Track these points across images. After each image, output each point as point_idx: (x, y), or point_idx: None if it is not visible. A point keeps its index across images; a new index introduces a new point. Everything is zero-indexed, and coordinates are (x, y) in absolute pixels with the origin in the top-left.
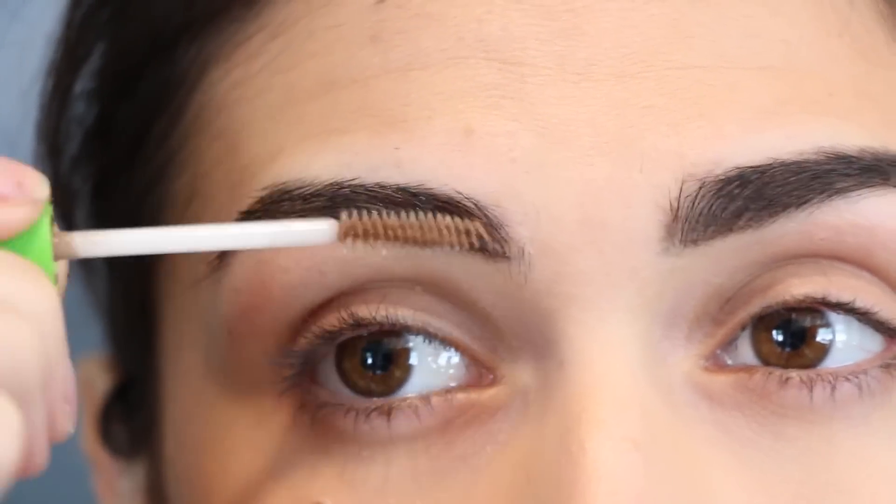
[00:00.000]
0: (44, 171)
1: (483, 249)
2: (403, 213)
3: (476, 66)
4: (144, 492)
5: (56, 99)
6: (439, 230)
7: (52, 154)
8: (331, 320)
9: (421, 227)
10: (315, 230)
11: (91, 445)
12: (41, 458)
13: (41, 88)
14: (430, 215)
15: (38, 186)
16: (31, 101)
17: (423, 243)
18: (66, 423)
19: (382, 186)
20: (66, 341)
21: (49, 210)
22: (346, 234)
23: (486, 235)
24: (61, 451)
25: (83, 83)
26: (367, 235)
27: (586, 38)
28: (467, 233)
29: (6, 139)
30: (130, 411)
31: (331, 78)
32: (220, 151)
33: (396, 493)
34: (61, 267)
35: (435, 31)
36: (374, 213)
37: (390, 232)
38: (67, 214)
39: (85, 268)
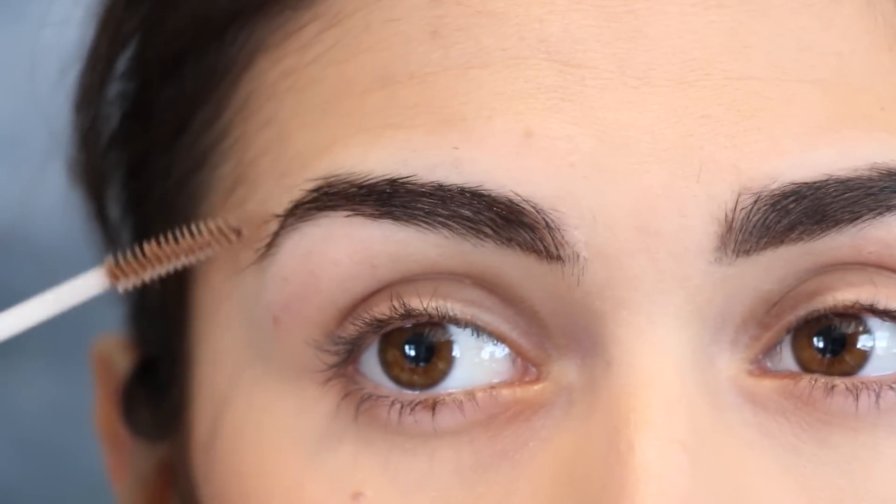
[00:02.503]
0: (78, 152)
1: (537, 251)
2: (162, 238)
3: (537, 66)
4: (164, 474)
5: (95, 78)
6: (196, 239)
7: (86, 134)
8: (382, 308)
9: (179, 244)
10: (85, 283)
11: (106, 423)
12: None
13: (79, 69)
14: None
15: None
16: (31, 100)
17: (191, 255)
18: None
19: (441, 187)
20: None
21: None
22: (112, 275)
23: (238, 232)
24: (61, 450)
25: (123, 65)
26: (132, 272)
27: (646, 41)
28: (220, 231)
29: (10, 137)
30: (155, 393)
31: (388, 72)
32: (268, 140)
33: (438, 487)
34: None
35: (496, 29)
36: (135, 248)
37: (154, 259)
38: (98, 196)
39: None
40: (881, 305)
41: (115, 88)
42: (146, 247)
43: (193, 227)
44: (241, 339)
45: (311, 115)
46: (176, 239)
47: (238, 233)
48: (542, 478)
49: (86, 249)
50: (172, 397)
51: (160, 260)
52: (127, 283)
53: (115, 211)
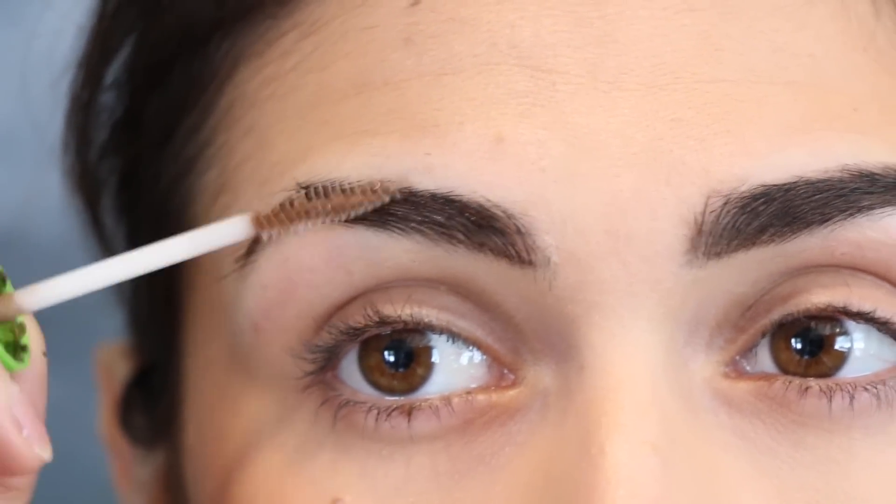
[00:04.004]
0: (69, 161)
1: (508, 256)
2: (313, 192)
3: (508, 72)
4: (161, 480)
5: (87, 88)
6: (347, 196)
7: (79, 143)
8: (356, 317)
9: (329, 199)
10: (229, 228)
11: (109, 432)
12: None
13: (71, 79)
14: (337, 186)
15: None
16: (30, 100)
17: (340, 212)
18: (27, 450)
19: (413, 192)
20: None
21: None
22: (258, 224)
23: (388, 191)
24: (62, 452)
25: (114, 75)
26: (278, 222)
27: (617, 45)
28: (372, 191)
29: (9, 137)
30: (151, 400)
31: (363, 79)
32: (250, 147)
33: (416, 492)
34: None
35: (468, 35)
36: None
37: (301, 212)
38: (93, 204)
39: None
40: (854, 307)
41: (105, 98)
42: (295, 199)
43: (346, 185)
44: (225, 347)
45: (291, 123)
46: (327, 194)
47: (389, 192)
48: (518, 482)
49: (86, 250)
50: (165, 404)
51: (308, 214)
52: (271, 232)
53: (110, 219)
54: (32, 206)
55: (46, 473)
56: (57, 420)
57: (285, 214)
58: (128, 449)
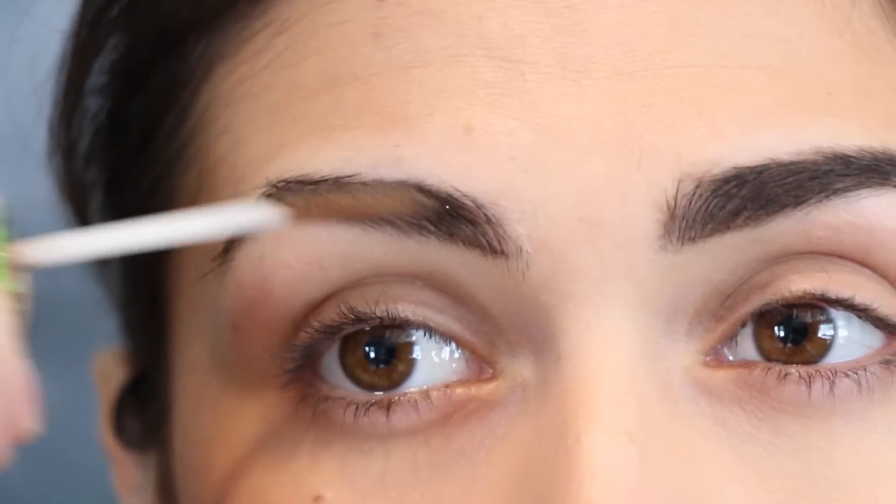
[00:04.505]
0: (56, 167)
1: (480, 246)
2: (347, 188)
3: (476, 63)
4: (156, 484)
5: (69, 94)
6: (385, 204)
7: (64, 149)
8: (331, 315)
9: (370, 202)
10: (266, 213)
11: (108, 439)
12: (2, 456)
13: (54, 84)
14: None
15: None
16: (42, 98)
17: (367, 213)
18: (28, 422)
19: (382, 183)
20: (18, 340)
21: (2, 222)
22: (299, 214)
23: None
24: (62, 454)
25: (95, 79)
26: (319, 214)
27: (587, 34)
28: (411, 202)
29: (17, 136)
30: (143, 404)
31: (333, 75)
32: (225, 147)
33: (396, 487)
34: (25, 279)
35: (436, 28)
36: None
37: (334, 205)
38: (82, 210)
39: (99, 261)
40: (832, 294)
41: (89, 103)
42: (332, 193)
43: (380, 186)
44: (207, 347)
45: (264, 121)
46: (363, 198)
47: (413, 207)
48: (498, 475)
49: None
50: (155, 408)
51: (340, 210)
52: (301, 220)
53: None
54: (32, 206)
55: (46, 476)
56: (58, 423)
57: (320, 207)
58: (125, 456)
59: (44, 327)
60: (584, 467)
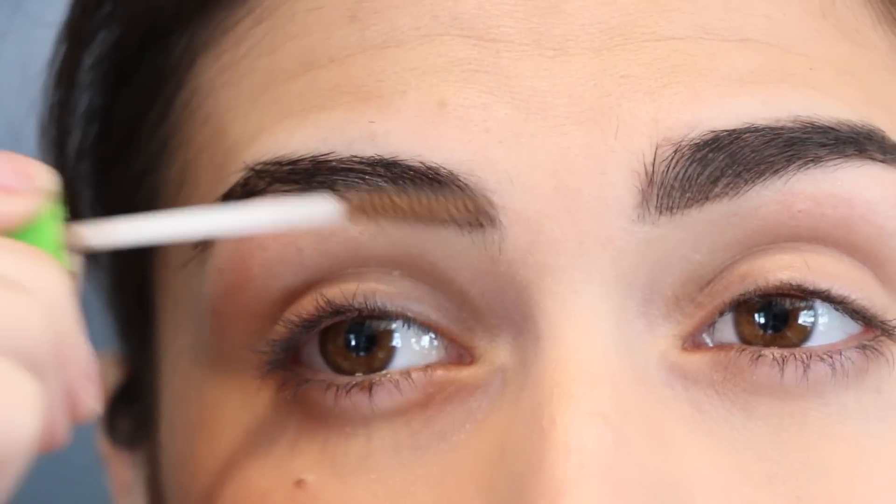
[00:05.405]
0: (48, 162)
1: (456, 220)
2: (411, 191)
3: (451, 42)
4: (145, 482)
5: (60, 90)
6: (441, 205)
7: (56, 144)
8: (307, 307)
9: (419, 202)
10: (323, 209)
11: (101, 441)
12: (61, 434)
13: (46, 79)
14: (433, 193)
15: (43, 177)
16: (34, 94)
17: (424, 217)
18: (89, 401)
19: (357, 159)
20: (79, 321)
21: (58, 202)
22: (356, 212)
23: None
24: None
25: (86, 74)
26: (375, 212)
27: (563, 15)
28: (465, 207)
29: (10, 132)
30: (133, 403)
31: (310, 58)
32: (207, 136)
33: (377, 468)
34: (77, 260)
35: (410, 10)
36: (382, 192)
37: (390, 206)
38: (73, 204)
39: (90, 262)
40: (810, 285)
41: (78, 98)
42: (389, 192)
43: (438, 194)
44: (190, 337)
45: (244, 107)
46: (419, 199)
47: (479, 213)
48: (477, 458)
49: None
50: (143, 405)
51: (396, 209)
52: (359, 220)
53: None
54: None
55: (46, 477)
56: None
57: (376, 205)
58: (118, 455)
59: None
60: (559, 448)
